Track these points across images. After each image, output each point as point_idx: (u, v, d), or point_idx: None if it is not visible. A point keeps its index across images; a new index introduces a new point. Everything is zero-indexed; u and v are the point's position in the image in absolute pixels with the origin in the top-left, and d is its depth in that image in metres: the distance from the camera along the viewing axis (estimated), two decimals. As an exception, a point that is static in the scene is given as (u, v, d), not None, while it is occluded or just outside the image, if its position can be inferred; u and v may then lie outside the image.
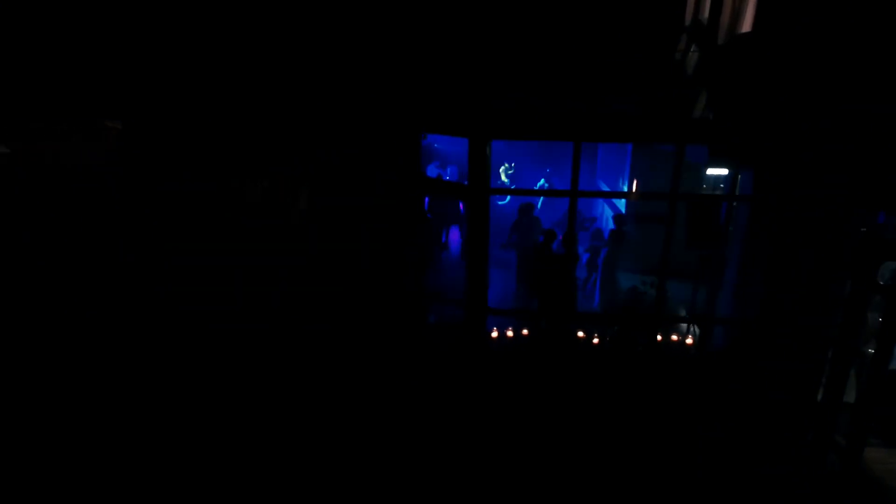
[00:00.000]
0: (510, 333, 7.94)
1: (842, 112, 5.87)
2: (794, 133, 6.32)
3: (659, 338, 7.57)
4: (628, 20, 8.40)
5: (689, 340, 7.77)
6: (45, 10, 6.71)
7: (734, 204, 7.42)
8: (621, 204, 11.56)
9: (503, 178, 14.84)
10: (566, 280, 7.68)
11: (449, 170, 14.65)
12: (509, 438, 6.62)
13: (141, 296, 7.46)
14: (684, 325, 8.19)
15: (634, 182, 11.35)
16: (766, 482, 5.95)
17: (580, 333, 7.87)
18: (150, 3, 6.89)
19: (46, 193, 6.92)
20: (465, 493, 5.80)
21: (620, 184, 12.19)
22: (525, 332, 7.98)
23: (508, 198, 13.85)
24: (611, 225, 10.89)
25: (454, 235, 12.60)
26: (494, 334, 7.94)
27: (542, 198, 13.68)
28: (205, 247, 7.50)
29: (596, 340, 7.84)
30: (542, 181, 14.31)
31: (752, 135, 6.74)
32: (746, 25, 7.44)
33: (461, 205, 13.22)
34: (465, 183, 7.34)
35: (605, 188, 13.17)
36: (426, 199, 10.41)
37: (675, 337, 7.83)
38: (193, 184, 7.21)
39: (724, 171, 9.38)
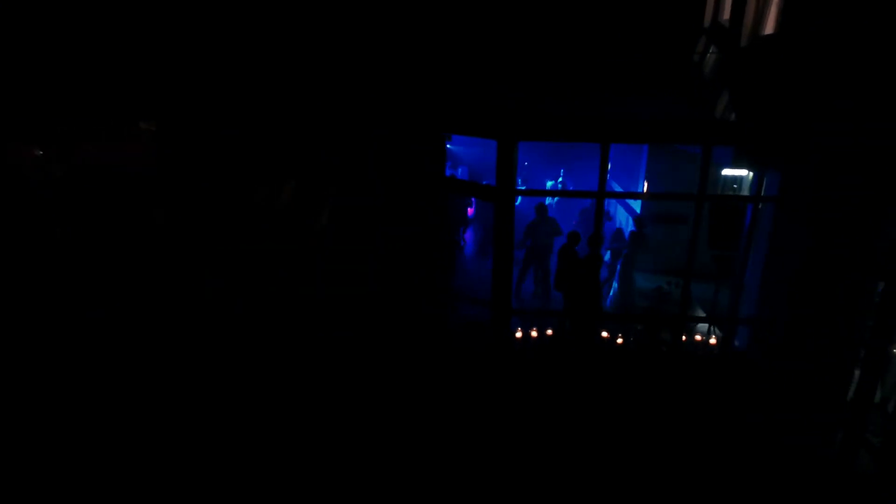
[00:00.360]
0: (534, 334, 7.96)
1: (853, 114, 5.90)
2: (807, 134, 6.37)
3: (683, 338, 7.61)
4: (653, 24, 8.46)
5: (712, 340, 7.81)
6: (83, 15, 6.70)
7: (759, 205, 7.43)
8: (635, 204, 11.59)
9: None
10: (592, 281, 7.69)
11: (460, 170, 14.68)
12: (536, 437, 6.61)
13: (177, 295, 7.45)
14: (706, 326, 8.21)
15: (646, 182, 11.39)
16: (795, 481, 5.98)
17: (604, 333, 7.89)
18: (187, 12, 6.90)
19: (80, 193, 6.91)
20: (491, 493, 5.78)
21: (634, 184, 12.23)
22: (549, 332, 8.01)
23: (519, 198, 13.86)
24: (629, 226, 10.93)
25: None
26: (518, 334, 7.95)
27: (555, 198, 13.70)
28: (234, 247, 7.50)
29: (620, 340, 7.87)
30: (551, 182, 14.34)
31: (772, 136, 6.78)
32: (769, 27, 7.50)
33: (471, 206, 13.29)
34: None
35: (618, 188, 13.20)
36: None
37: (698, 337, 7.87)
38: (224, 185, 7.21)
39: (738, 172, 9.41)
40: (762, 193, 7.38)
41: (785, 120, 6.62)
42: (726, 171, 10.31)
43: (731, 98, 7.88)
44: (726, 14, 8.80)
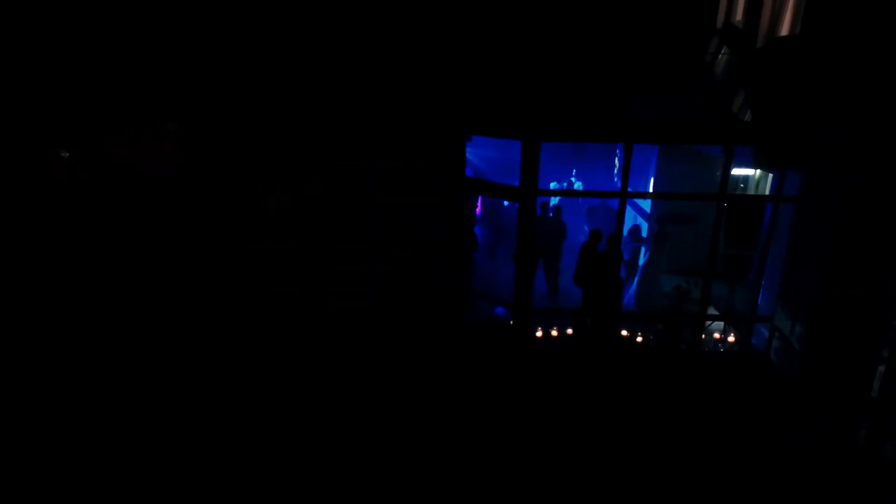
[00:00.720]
0: (555, 333, 7.98)
1: (857, 115, 5.98)
2: (827, 135, 6.45)
3: (702, 336, 7.68)
4: (669, 27, 8.56)
5: (731, 338, 7.88)
6: (109, 17, 6.63)
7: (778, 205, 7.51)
8: (644, 204, 11.64)
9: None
10: (612, 279, 7.74)
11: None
12: (558, 436, 6.61)
13: (186, 295, 7.38)
14: (722, 324, 8.28)
15: (652, 181, 11.44)
16: (819, 476, 6.06)
17: (624, 332, 7.94)
18: (210, 21, 6.89)
19: (107, 194, 6.82)
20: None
21: (643, 183, 12.27)
22: (570, 331, 8.04)
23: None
24: (638, 223, 10.96)
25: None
26: (539, 334, 7.97)
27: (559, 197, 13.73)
28: (236, 247, 7.47)
29: (639, 339, 7.92)
30: (554, 183, 14.35)
31: (795, 136, 6.85)
32: (785, 28, 7.58)
33: (478, 206, 13.26)
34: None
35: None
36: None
37: (717, 335, 7.94)
38: (232, 186, 7.17)
39: (745, 171, 9.48)
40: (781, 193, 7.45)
41: (806, 121, 6.69)
42: (734, 171, 10.38)
43: (746, 99, 7.96)
44: (739, 15, 8.89)
